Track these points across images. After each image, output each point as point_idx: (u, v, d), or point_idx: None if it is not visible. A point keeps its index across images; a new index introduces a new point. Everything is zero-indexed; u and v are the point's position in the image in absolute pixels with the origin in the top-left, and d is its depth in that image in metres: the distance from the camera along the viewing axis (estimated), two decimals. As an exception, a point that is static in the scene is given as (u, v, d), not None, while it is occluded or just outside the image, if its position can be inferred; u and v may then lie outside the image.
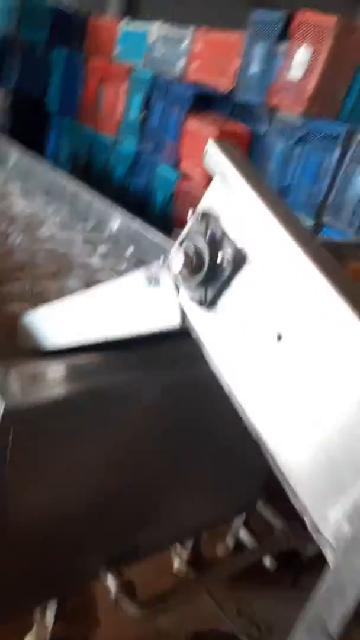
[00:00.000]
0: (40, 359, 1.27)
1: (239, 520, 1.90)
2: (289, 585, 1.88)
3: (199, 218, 0.75)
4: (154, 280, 0.84)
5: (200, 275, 0.72)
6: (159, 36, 4.14)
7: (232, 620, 1.77)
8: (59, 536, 1.35)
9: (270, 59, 3.35)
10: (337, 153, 3.01)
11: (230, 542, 1.96)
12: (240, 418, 1.06)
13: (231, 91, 3.59)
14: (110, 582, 1.52)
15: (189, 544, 1.85)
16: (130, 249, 2.38)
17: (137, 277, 0.88)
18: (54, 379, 1.14)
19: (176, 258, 0.74)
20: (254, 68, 3.44)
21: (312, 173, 3.14)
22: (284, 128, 3.30)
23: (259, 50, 3.43)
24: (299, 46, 3.18)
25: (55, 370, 1.17)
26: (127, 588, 1.52)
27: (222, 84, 3.66)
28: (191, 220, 0.77)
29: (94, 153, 4.33)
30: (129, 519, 1.51)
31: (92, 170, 4.31)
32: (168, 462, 1.48)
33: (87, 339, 1.07)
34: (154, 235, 2.28)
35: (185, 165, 3.52)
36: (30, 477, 1.18)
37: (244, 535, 1.86)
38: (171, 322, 0.82)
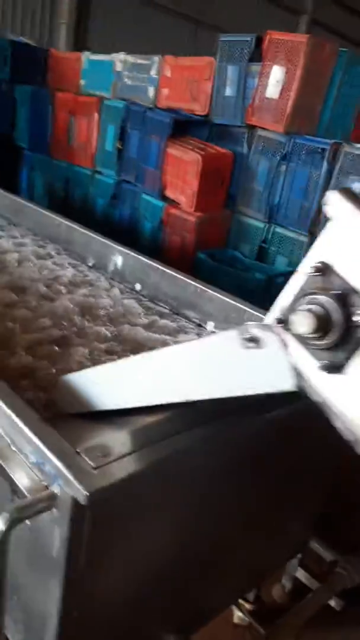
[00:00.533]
0: (93, 424, 1.18)
1: (294, 561, 1.82)
2: (355, 623, 1.81)
3: (315, 273, 0.69)
4: (253, 342, 0.77)
5: (332, 338, 0.66)
6: (126, 65, 4.12)
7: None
8: (130, 615, 1.25)
9: (243, 80, 3.35)
10: (325, 167, 3.02)
11: (287, 584, 1.87)
12: (296, 459, 0.97)
13: (207, 115, 3.58)
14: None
15: (250, 594, 1.76)
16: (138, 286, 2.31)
17: (228, 338, 0.81)
18: (126, 450, 1.04)
19: (302, 320, 0.67)
20: (229, 91, 3.44)
21: (302, 189, 3.14)
22: (267, 147, 3.29)
23: (231, 73, 3.43)
24: (272, 66, 3.19)
25: (124, 441, 1.08)
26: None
27: (196, 108, 3.66)
28: (302, 275, 0.70)
29: (71, 186, 4.25)
30: (198, 582, 1.42)
31: (71, 204, 4.22)
32: (235, 514, 1.40)
33: (160, 401, 0.99)
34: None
35: (170, 192, 3.48)
36: (105, 559, 1.08)
37: (302, 575, 1.78)
38: (282, 385, 0.75)
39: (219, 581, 1.50)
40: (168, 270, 2.21)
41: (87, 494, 0.89)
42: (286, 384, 0.75)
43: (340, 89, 3.28)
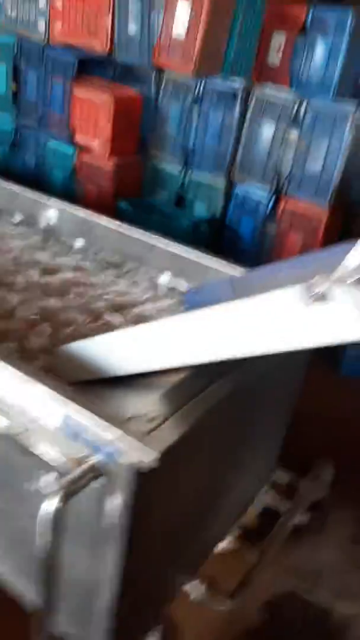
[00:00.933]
0: (114, 390, 1.18)
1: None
2: (318, 531, 2.05)
3: None
4: (320, 298, 0.82)
5: None
6: (7, -7, 3.71)
7: (285, 578, 1.90)
8: (161, 564, 1.31)
9: (147, 16, 3.20)
10: (237, 110, 3.05)
11: (255, 508, 2.04)
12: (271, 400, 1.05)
13: (110, 53, 3.39)
14: (195, 585, 1.53)
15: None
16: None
17: (290, 294, 0.85)
18: (167, 413, 1.06)
19: None
20: (132, 27, 3.28)
21: (216, 132, 3.15)
22: (177, 89, 3.23)
23: (133, 7, 3.26)
24: (178, 0, 3.08)
25: (159, 404, 1.10)
26: (213, 586, 1.54)
27: (96, 45, 3.44)
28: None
29: None
30: (207, 522, 1.51)
31: None
32: (232, 455, 1.50)
33: (203, 359, 1.01)
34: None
35: (80, 138, 3.31)
36: (152, 517, 1.12)
37: (273, 499, 1.97)
38: (350, 336, 0.82)
39: (219, 519, 1.62)
40: (112, 224, 2.17)
41: (157, 455, 0.91)
42: (355, 335, 0.82)
43: (242, 25, 3.27)
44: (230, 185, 3.20)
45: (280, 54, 3.52)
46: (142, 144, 3.40)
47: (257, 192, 3.11)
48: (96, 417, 0.97)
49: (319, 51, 3.07)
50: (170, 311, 1.76)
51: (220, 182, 3.22)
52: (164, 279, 2.00)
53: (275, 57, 3.50)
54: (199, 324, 1.00)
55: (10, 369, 1.09)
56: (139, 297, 1.83)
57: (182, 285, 1.94)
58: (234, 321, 0.94)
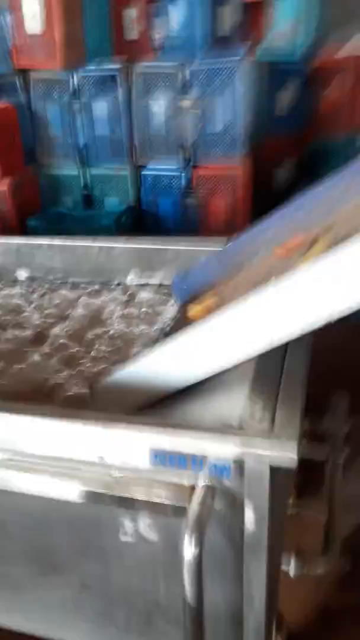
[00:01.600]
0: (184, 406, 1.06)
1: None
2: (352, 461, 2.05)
3: None
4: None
5: None
6: None
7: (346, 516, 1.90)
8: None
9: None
10: (121, 93, 2.92)
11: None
12: None
13: None
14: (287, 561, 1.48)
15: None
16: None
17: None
18: (262, 407, 0.97)
19: None
20: (-21, 33, 3.01)
21: (104, 121, 3.00)
22: (49, 88, 3.02)
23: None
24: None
25: (244, 399, 1.00)
26: (301, 555, 1.50)
27: None
28: None
29: None
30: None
31: None
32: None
33: (284, 340, 0.92)
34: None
35: None
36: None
37: (306, 448, 1.94)
38: None
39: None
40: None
41: (297, 452, 0.82)
42: None
43: (92, 9, 3.13)
44: (137, 169, 3.08)
45: (135, 27, 3.41)
46: (29, 155, 3.17)
47: (166, 168, 3.02)
48: (211, 434, 0.86)
49: (176, 14, 3.01)
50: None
51: (124, 170, 3.09)
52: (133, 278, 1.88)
53: (132, 32, 3.39)
54: (279, 299, 0.90)
55: (60, 422, 0.94)
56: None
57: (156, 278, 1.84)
58: (316, 286, 0.86)
